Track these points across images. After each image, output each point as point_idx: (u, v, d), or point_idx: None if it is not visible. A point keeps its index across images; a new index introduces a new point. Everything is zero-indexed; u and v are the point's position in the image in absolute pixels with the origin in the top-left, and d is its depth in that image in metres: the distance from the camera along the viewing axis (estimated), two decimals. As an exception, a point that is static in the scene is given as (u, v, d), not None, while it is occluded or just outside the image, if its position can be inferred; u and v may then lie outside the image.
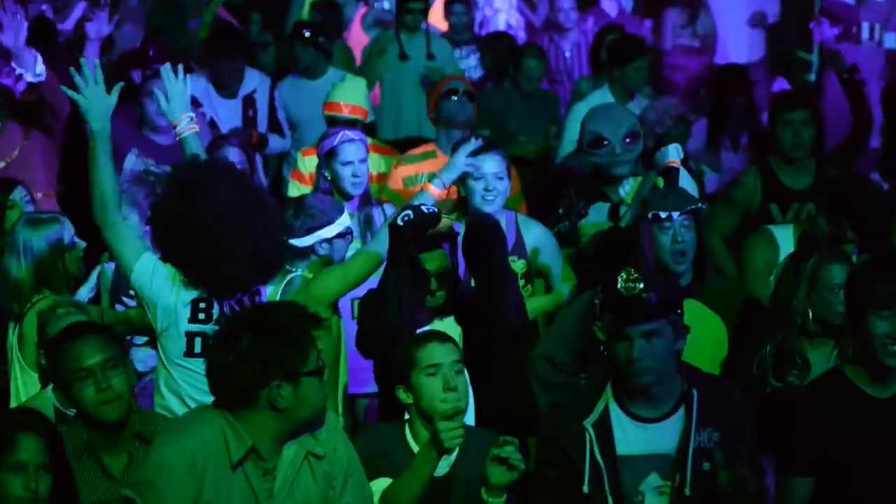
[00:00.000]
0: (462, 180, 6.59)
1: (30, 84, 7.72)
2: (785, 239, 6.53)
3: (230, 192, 5.29)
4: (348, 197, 7.01)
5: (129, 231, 5.46)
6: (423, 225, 5.44)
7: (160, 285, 5.39)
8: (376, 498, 4.67)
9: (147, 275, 5.39)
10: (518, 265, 6.64)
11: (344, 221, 6.19)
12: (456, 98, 7.99)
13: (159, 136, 8.19)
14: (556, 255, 6.83)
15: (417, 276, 5.53)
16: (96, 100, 5.45)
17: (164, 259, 5.40)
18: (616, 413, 4.72)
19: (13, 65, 7.66)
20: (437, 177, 6.15)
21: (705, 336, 5.56)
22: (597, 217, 6.99)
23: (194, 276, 5.37)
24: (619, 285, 4.62)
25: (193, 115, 6.05)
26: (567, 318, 5.86)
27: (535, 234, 6.77)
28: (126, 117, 8.19)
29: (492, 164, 6.60)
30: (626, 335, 4.62)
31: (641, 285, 4.62)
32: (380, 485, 4.72)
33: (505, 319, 5.59)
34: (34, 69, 7.54)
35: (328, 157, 7.06)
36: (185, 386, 5.42)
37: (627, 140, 6.95)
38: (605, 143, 6.94)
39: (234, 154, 7.45)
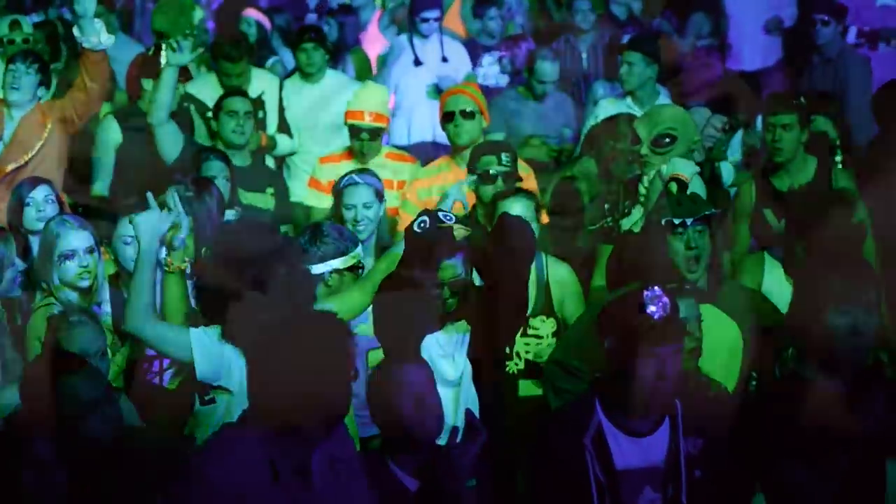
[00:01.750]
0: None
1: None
2: (773, 262, 6.51)
3: (276, 265, 5.29)
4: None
5: (168, 330, 5.39)
6: (436, 241, 5.42)
7: (226, 351, 5.31)
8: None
9: (209, 353, 5.29)
10: (548, 324, 6.58)
11: (357, 254, 6.05)
12: (453, 121, 7.95)
13: (234, 155, 8.09)
14: (579, 301, 6.69)
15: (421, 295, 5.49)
16: (151, 222, 5.44)
17: (198, 305, 5.41)
18: (609, 428, 4.75)
19: (74, 32, 7.66)
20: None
21: (720, 341, 5.53)
22: (639, 216, 6.95)
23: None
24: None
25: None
26: (581, 324, 5.86)
27: (561, 279, 6.64)
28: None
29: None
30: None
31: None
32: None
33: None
34: (99, 36, 7.54)
35: (336, 196, 7.05)
36: None
37: (666, 140, 6.78)
38: (639, 141, 6.89)
39: (216, 168, 7.41)
